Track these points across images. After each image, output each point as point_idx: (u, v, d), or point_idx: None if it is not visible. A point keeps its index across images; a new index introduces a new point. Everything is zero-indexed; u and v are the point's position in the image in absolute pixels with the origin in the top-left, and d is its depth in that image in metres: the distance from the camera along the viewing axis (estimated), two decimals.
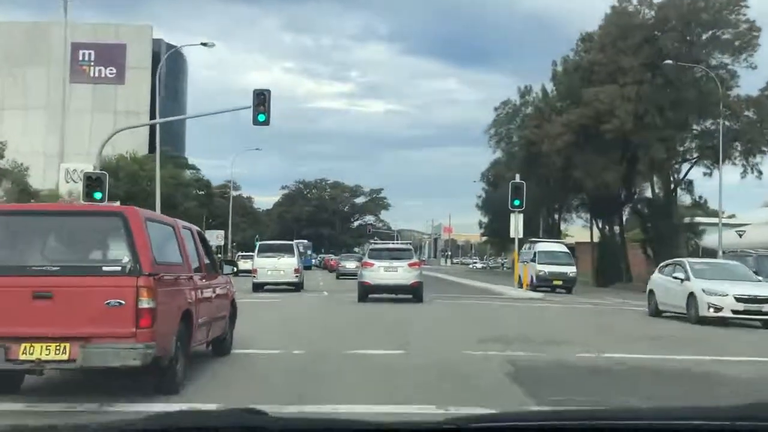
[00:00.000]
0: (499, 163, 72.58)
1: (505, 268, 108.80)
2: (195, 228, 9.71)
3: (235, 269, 11.07)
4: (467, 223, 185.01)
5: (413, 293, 23.79)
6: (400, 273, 23.86)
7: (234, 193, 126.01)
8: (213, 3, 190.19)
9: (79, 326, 6.64)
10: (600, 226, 58.19)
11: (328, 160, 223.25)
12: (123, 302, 6.64)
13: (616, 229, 56.63)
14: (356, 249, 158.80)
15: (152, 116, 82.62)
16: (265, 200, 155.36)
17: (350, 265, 50.21)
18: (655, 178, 48.44)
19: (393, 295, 24.05)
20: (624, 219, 59.10)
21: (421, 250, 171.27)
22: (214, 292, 9.35)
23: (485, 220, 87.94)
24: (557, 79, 55.95)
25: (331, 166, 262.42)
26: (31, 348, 6.59)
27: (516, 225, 32.12)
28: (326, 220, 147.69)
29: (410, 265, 24.22)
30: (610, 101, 42.09)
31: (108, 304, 6.61)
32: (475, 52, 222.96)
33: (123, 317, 6.64)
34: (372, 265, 24.07)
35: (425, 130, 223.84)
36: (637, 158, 45.27)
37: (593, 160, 44.81)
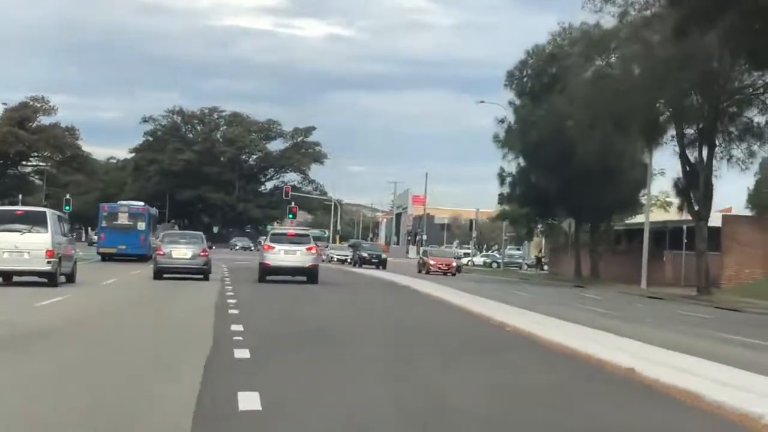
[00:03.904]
0: None
1: (528, 268, 73.18)
2: None
3: None
4: (448, 192, 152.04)
5: (309, 275, 31.95)
6: (298, 256, 31.79)
7: (44, 120, 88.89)
8: None
9: None
10: None
11: (241, 101, 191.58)
12: None
13: None
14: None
15: None
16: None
17: (178, 252, 33.36)
18: None
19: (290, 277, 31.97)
20: None
21: (376, 232, 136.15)
22: None
23: (511, 168, 52.13)
24: None
25: (246, 111, 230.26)
26: None
27: None
28: (218, 178, 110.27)
29: (308, 249, 32.30)
30: None
31: None
32: None
33: None
34: (273, 248, 32.12)
35: (383, 65, 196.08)
36: None
37: None
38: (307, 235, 35.01)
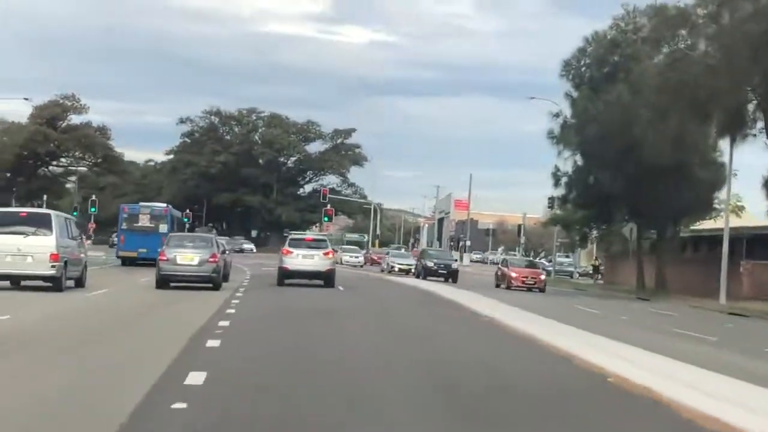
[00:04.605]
0: None
1: (579, 276, 67.39)
2: None
3: None
4: (491, 198, 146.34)
5: (325, 279, 32.16)
6: (316, 260, 32.29)
7: (75, 120, 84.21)
8: None
9: None
10: None
11: (284, 106, 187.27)
12: None
13: None
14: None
15: None
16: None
17: (183, 257, 27.53)
18: None
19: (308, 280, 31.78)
20: None
21: (417, 237, 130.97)
22: None
23: (567, 167, 46.64)
24: None
25: (287, 115, 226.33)
26: None
27: None
28: (256, 181, 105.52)
29: (325, 254, 32.69)
30: None
31: None
32: None
33: None
34: (291, 252, 32.57)
35: (426, 71, 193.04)
36: None
37: None
38: (324, 240, 35.07)
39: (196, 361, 10.98)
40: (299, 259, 32.08)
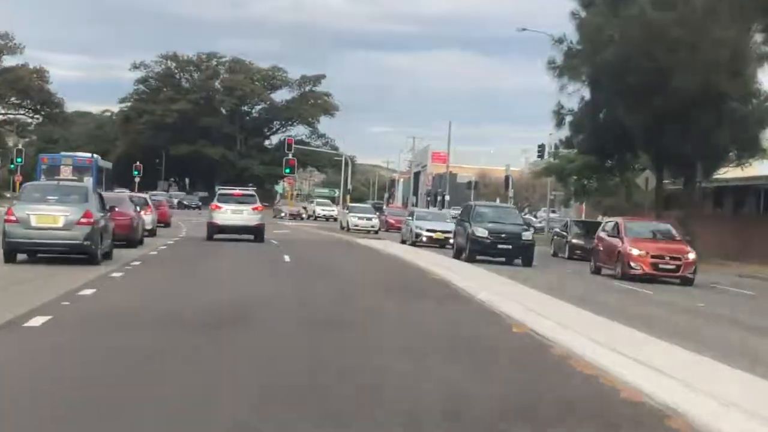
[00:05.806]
0: None
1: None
2: None
3: None
4: (470, 152, 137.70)
5: (255, 233, 32.16)
6: (245, 215, 32.16)
7: (10, 62, 73.55)
8: None
9: None
10: None
11: (255, 60, 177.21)
12: None
13: None
14: (278, 187, 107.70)
15: None
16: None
17: (41, 218, 18.92)
18: None
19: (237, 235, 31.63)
20: None
21: (392, 193, 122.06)
22: None
23: (572, 104, 37.74)
24: None
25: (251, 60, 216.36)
26: None
27: None
28: (218, 132, 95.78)
29: (254, 209, 32.53)
30: None
31: None
32: None
33: None
34: (220, 207, 32.29)
35: (403, 26, 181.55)
36: None
37: None
38: (254, 195, 34.25)
39: None
40: (228, 214, 31.81)
